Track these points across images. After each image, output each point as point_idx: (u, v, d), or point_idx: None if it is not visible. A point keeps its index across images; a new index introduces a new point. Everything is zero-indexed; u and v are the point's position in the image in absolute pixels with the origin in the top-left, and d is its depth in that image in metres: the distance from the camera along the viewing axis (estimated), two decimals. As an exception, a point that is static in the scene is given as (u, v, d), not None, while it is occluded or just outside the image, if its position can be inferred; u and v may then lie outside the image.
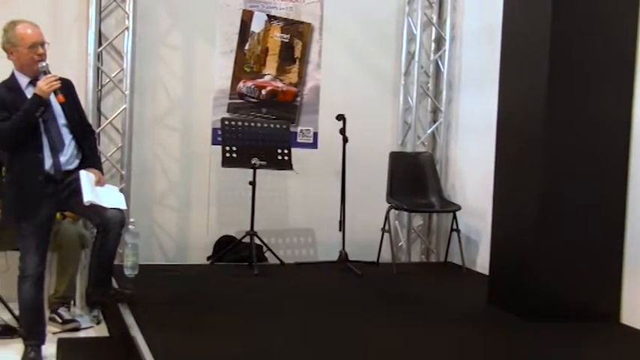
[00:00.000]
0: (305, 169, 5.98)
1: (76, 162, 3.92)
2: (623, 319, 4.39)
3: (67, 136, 3.87)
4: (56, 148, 3.81)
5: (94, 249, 3.98)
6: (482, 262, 5.73)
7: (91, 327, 4.69)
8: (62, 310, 4.65)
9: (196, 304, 4.55)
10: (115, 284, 4.32)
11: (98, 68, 5.51)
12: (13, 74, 3.83)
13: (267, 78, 6.10)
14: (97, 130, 5.40)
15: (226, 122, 5.63)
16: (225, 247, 5.75)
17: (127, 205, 4.59)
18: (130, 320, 4.04)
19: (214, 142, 5.88)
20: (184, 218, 5.92)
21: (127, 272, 4.93)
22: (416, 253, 6.54)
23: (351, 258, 5.67)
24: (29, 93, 3.76)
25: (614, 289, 4.40)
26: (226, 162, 5.49)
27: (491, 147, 4.83)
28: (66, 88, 3.85)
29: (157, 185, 5.86)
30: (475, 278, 5.57)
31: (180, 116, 5.89)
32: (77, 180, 3.83)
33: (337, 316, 4.39)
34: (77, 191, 3.79)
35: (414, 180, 6.06)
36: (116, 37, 5.56)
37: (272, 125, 5.81)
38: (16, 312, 4.18)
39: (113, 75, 5.59)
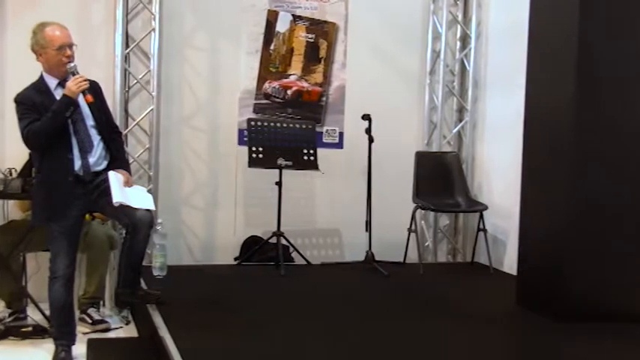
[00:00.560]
0: (331, 170, 5.98)
1: (105, 163, 3.94)
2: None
3: (95, 137, 3.89)
4: (85, 149, 3.83)
5: (123, 250, 3.98)
6: (509, 263, 5.68)
7: (120, 327, 4.73)
8: (92, 311, 4.70)
9: (224, 305, 4.56)
10: (143, 285, 4.34)
11: (125, 70, 5.55)
12: (41, 76, 3.86)
13: (292, 78, 6.10)
14: (125, 132, 5.44)
15: (252, 123, 5.64)
16: (252, 247, 5.76)
17: (155, 205, 4.60)
18: (158, 321, 4.06)
19: (240, 143, 5.90)
20: (211, 219, 5.94)
21: (156, 273, 4.98)
22: (442, 254, 6.51)
23: (377, 258, 5.65)
24: (58, 94, 3.79)
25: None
26: (252, 162, 5.50)
27: (518, 146, 4.79)
28: (93, 90, 3.87)
29: (184, 186, 5.88)
30: (503, 279, 5.52)
31: (207, 117, 5.91)
32: (106, 181, 3.84)
33: (364, 317, 4.38)
34: (106, 192, 3.80)
35: (440, 180, 6.03)
36: (143, 38, 5.60)
37: (298, 125, 5.81)
38: (47, 312, 4.22)
39: (140, 76, 5.62)
